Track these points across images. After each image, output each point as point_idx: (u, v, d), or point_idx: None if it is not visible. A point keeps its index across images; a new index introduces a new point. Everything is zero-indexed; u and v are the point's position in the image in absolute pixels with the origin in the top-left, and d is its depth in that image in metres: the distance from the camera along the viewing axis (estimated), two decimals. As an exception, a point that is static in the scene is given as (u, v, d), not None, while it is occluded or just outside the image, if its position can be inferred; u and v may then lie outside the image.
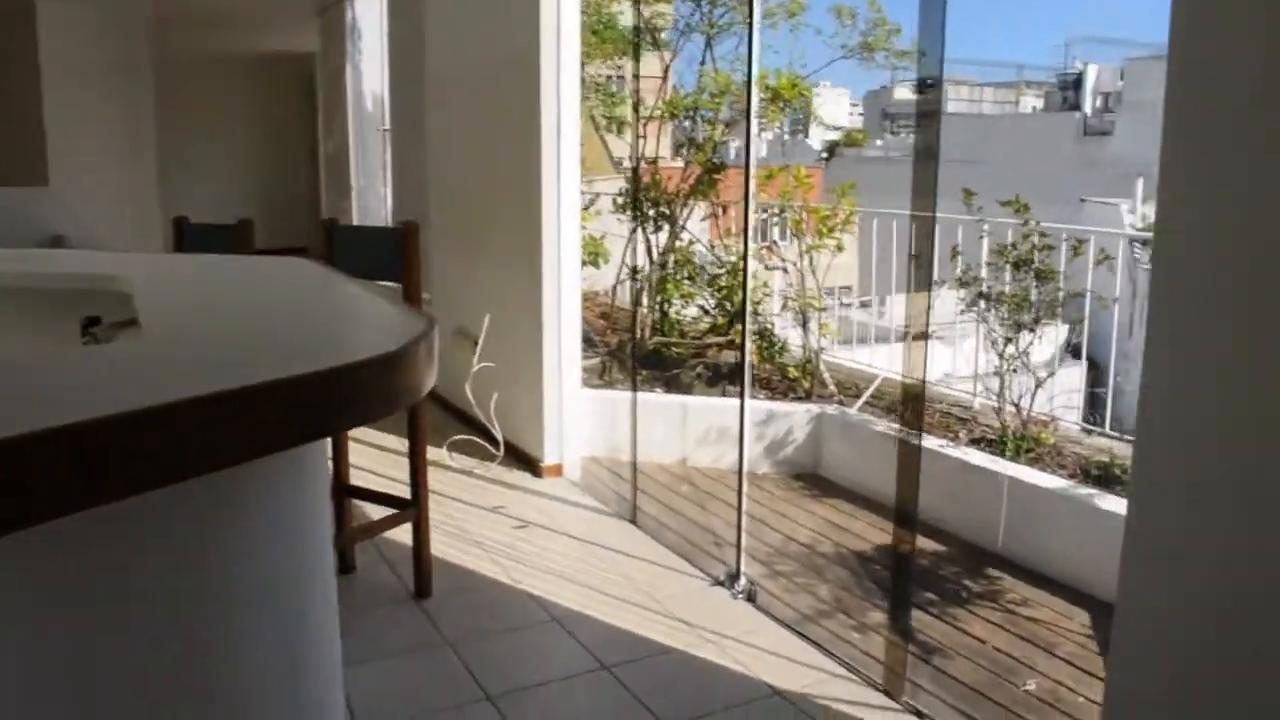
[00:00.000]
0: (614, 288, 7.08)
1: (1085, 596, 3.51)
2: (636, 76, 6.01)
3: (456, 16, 5.50)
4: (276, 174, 13.88)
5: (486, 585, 3.61)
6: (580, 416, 4.83)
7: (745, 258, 4.02)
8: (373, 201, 7.84)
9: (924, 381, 4.72)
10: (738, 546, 3.63)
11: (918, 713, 2.81)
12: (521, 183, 4.70)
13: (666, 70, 6.10)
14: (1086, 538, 3.56)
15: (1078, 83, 27.54)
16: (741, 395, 3.84)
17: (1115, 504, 3.56)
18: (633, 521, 4.22)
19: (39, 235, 7.80)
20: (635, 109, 5.57)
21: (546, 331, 4.64)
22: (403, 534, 3.52)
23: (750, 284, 5.73)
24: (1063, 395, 4.78)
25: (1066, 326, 4.75)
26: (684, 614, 3.37)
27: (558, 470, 4.75)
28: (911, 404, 4.79)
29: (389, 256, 3.28)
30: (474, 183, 5.42)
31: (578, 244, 4.74)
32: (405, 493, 3.51)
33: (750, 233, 3.96)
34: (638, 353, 5.81)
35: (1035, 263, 4.26)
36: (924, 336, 3.25)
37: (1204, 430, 1.97)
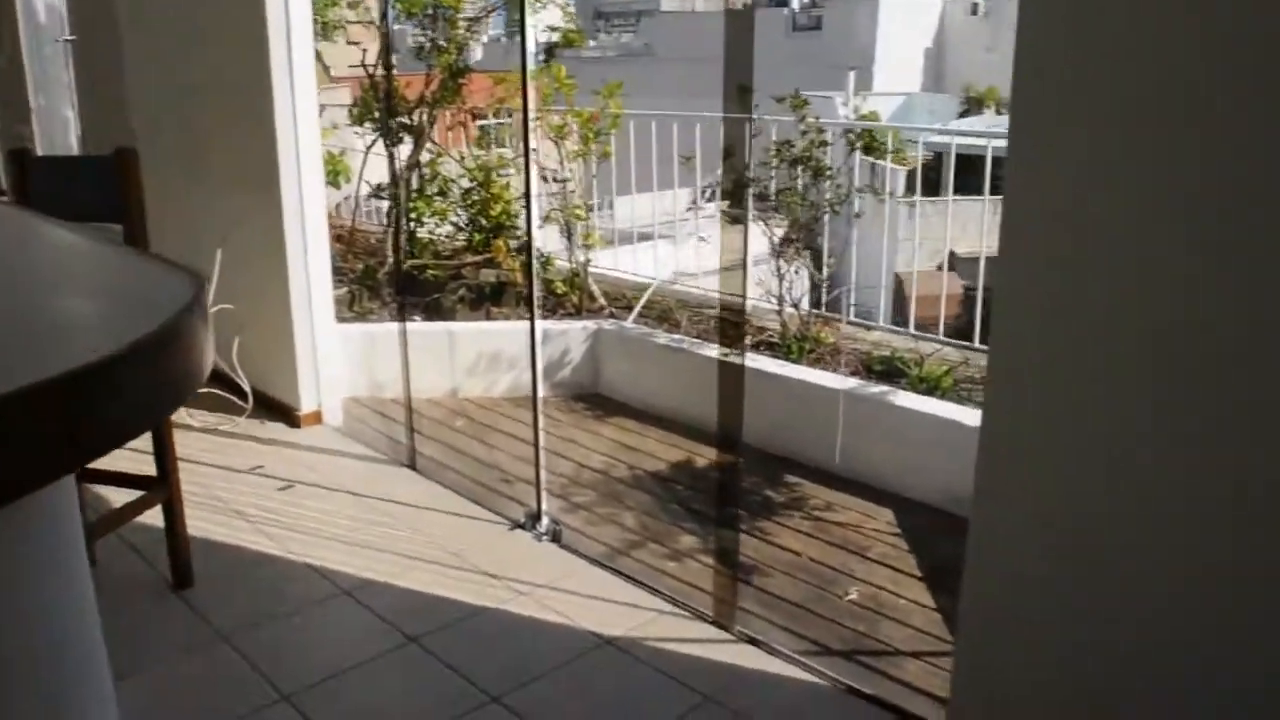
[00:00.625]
0: (355, 207, 6.52)
1: (887, 494, 3.51)
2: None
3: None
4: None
5: (258, 562, 3.18)
6: (336, 355, 4.38)
7: (527, 169, 3.68)
8: (57, 126, 6.81)
9: (743, 297, 4.63)
10: (537, 484, 3.37)
11: (753, 640, 2.68)
12: (249, 96, 4.10)
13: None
14: (884, 436, 3.55)
15: (783, -22, 28.29)
16: (531, 316, 3.53)
17: (909, 400, 3.56)
18: (412, 467, 3.87)
19: None
20: (382, 15, 5.03)
21: (291, 263, 4.14)
22: (151, 515, 3.01)
23: (507, 196, 5.41)
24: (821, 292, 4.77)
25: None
26: (488, 566, 3.09)
27: (317, 417, 4.30)
28: (730, 325, 4.69)
29: (103, 192, 2.72)
30: (189, 99, 4.71)
31: (320, 162, 4.23)
32: (149, 468, 3.00)
33: (529, 142, 3.62)
34: (396, 279, 5.37)
35: (814, 159, 4.16)
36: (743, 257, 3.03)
37: (1057, 341, 1.88)
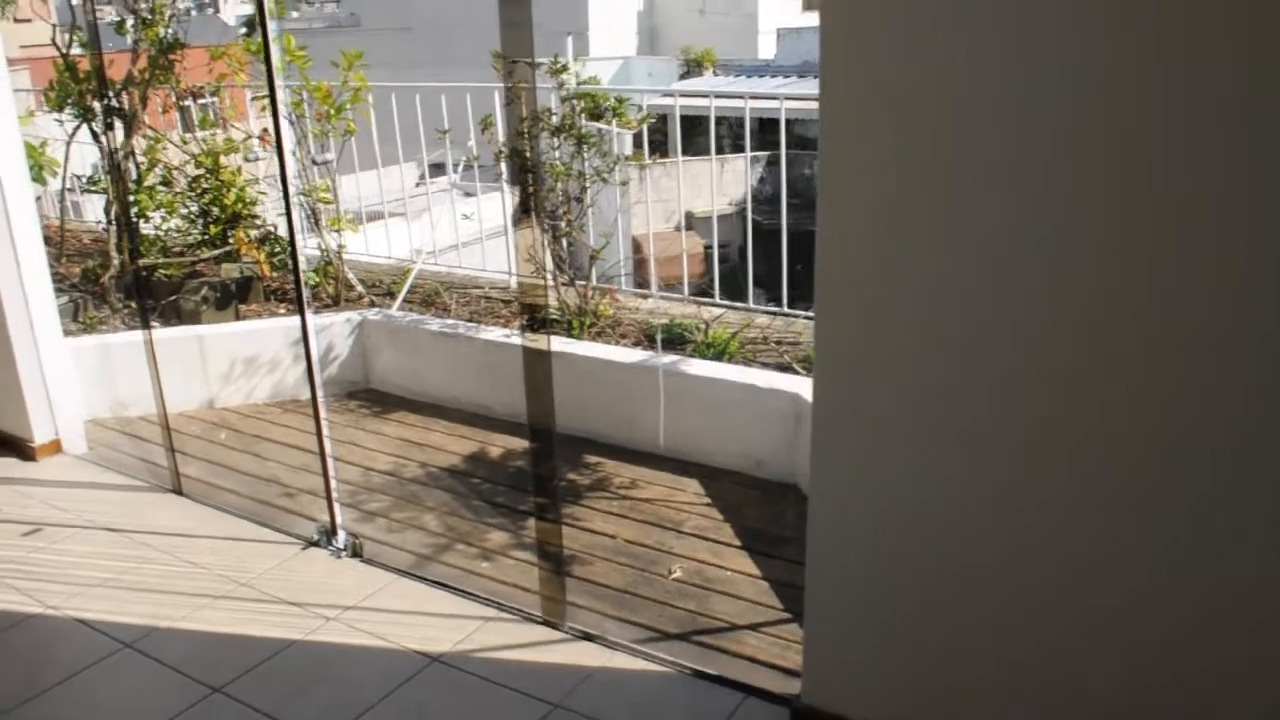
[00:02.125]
0: (60, 204, 5.83)
1: (692, 465, 3.50)
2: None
3: None
4: None
5: (15, 624, 2.78)
6: (68, 374, 3.90)
7: (280, 152, 3.32)
8: None
9: (512, 274, 4.37)
10: (327, 494, 3.12)
11: (587, 636, 2.60)
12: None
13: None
14: (681, 406, 3.52)
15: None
16: (301, 311, 3.21)
17: (700, 367, 3.56)
18: (178, 491, 3.50)
19: None
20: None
21: (2, 273, 3.63)
22: None
23: (240, 182, 4.99)
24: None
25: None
26: (286, 593, 2.84)
27: (56, 447, 3.83)
28: (506, 305, 4.48)
29: None
30: None
31: (20, 154, 3.71)
32: None
33: (279, 120, 3.28)
34: (118, 284, 4.85)
35: (577, 129, 4.05)
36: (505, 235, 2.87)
37: (885, 307, 1.88)
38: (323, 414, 3.12)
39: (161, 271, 4.79)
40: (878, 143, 1.81)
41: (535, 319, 3.57)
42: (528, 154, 3.96)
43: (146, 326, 3.78)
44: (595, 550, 3.05)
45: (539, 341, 3.17)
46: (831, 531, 2.08)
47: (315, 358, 3.20)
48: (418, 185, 7.96)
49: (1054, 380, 1.74)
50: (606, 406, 3.71)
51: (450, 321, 4.28)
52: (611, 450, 3.66)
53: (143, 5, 4.68)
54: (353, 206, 6.02)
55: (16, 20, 7.37)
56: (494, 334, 4.09)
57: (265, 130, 4.83)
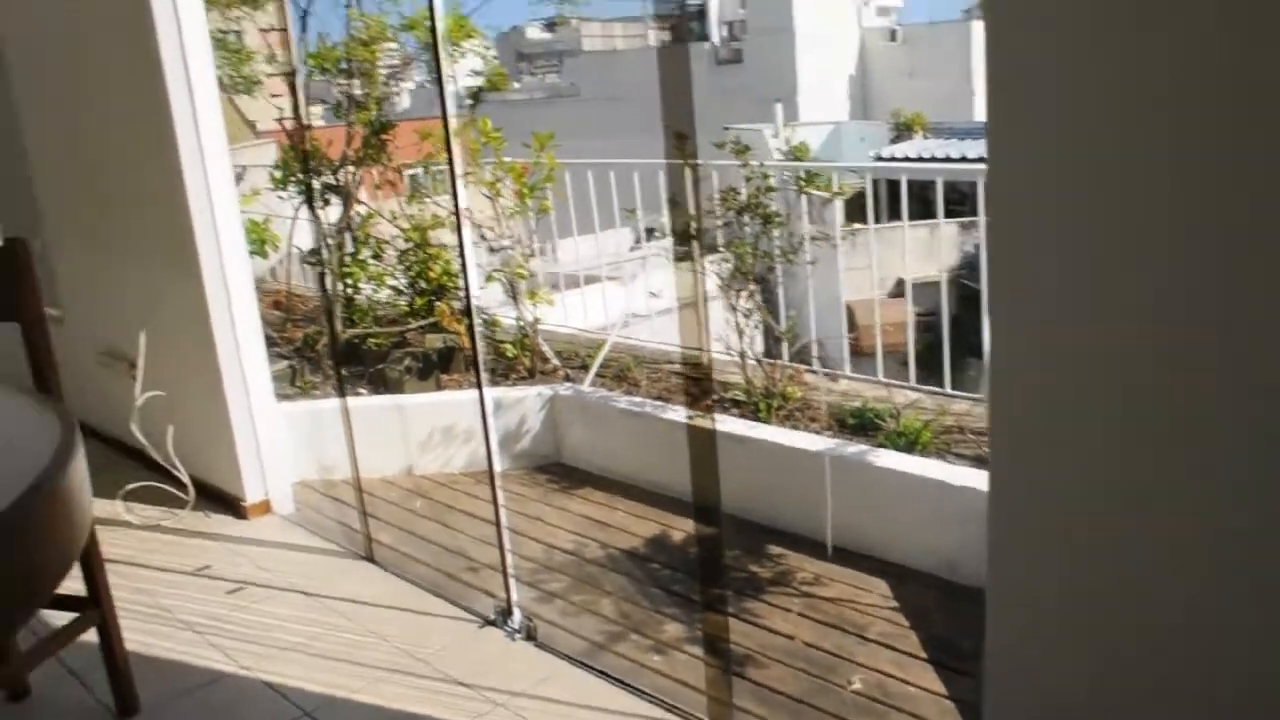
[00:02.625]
0: (286, 269, 6.24)
1: (878, 563, 3.34)
2: (269, 30, 5.23)
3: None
4: None
5: (209, 681, 2.91)
6: (280, 437, 4.12)
7: (460, 229, 3.47)
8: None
9: (704, 350, 4.42)
10: (504, 573, 3.15)
11: (756, 745, 2.49)
12: (157, 164, 3.85)
13: (304, 19, 5.27)
14: (868, 499, 3.38)
15: (702, 12, 28.53)
16: (479, 385, 3.31)
17: (889, 459, 3.41)
18: (370, 559, 3.61)
19: None
20: (289, 72, 4.79)
21: (220, 341, 3.88)
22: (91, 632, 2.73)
23: (446, 256, 5.19)
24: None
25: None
26: (460, 673, 2.86)
27: (266, 507, 4.03)
28: (696, 383, 4.48)
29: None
30: (99, 175, 4.44)
31: (240, 230, 3.98)
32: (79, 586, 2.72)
33: (460, 200, 3.41)
34: (336, 350, 5.11)
35: (762, 206, 4.01)
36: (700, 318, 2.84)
37: (1063, 394, 1.73)
38: (499, 490, 3.16)
39: (371, 340, 5.03)
40: (1045, 224, 1.68)
41: (704, 396, 3.52)
42: (705, 230, 3.94)
43: (343, 394, 3.95)
44: (771, 650, 2.94)
45: (705, 420, 3.12)
46: (1008, 643, 1.90)
47: (493, 432, 3.25)
48: (633, 249, 8.07)
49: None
50: (792, 495, 3.60)
51: (638, 400, 4.28)
52: (796, 542, 3.54)
53: (357, 89, 4.97)
54: (564, 269, 6.20)
55: (272, 96, 8.01)
56: (680, 414, 4.07)
57: (467, 208, 5.02)
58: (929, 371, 4.37)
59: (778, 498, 3.64)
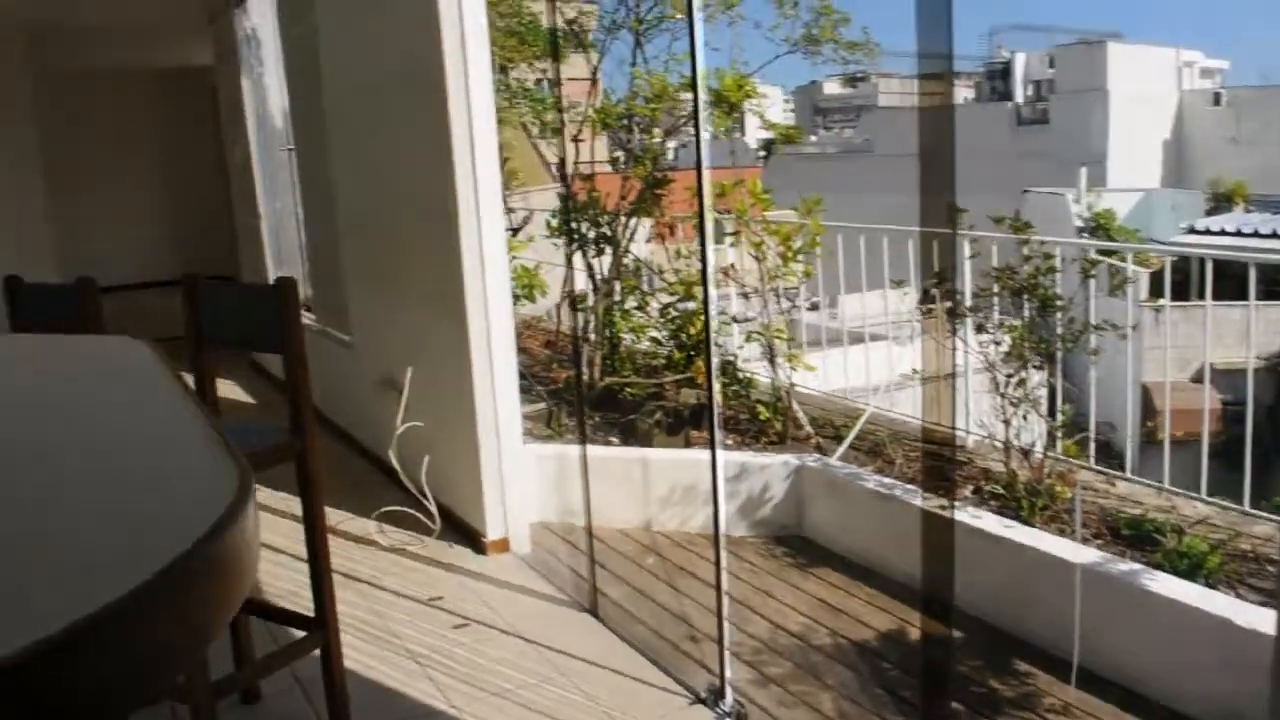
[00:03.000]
0: (558, 308, 6.42)
1: (1142, 700, 2.93)
2: (557, 83, 5.40)
3: (351, 21, 4.81)
4: (189, 196, 13.11)
5: (420, 716, 2.95)
6: (526, 478, 4.19)
7: (705, 285, 3.40)
8: (292, 224, 7.10)
9: (953, 430, 4.15)
10: (720, 650, 3.01)
11: None
12: (434, 209, 4.04)
13: (595, 72, 5.45)
14: (1137, 626, 2.99)
15: (1006, 72, 27.50)
16: (712, 447, 3.21)
17: (1166, 584, 2.99)
18: (593, 612, 3.58)
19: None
20: (561, 121, 4.94)
21: (477, 381, 3.99)
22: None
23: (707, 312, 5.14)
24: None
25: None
26: (662, 750, 2.75)
27: (504, 545, 4.10)
28: (937, 468, 4.21)
29: (264, 322, 2.60)
30: (383, 208, 4.74)
31: (506, 276, 4.09)
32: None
33: (709, 256, 3.34)
34: (587, 396, 5.17)
35: (1042, 289, 3.69)
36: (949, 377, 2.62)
37: None
38: (724, 558, 3.03)
39: (628, 390, 5.05)
40: None
41: (957, 484, 3.24)
42: (976, 308, 3.66)
43: (584, 441, 3.95)
44: (1004, 782, 2.63)
45: (949, 511, 2.86)
46: None
47: (722, 497, 3.13)
48: (916, 309, 7.74)
49: None
50: (1049, 608, 3.25)
51: (889, 481, 4.03)
52: (1048, 662, 3.17)
53: (635, 142, 5.04)
54: (841, 324, 6.02)
55: (575, 140, 8.34)
56: (934, 503, 3.79)
57: (732, 266, 4.96)
58: (1229, 470, 3.86)
59: (1031, 608, 3.30)
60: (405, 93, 4.22)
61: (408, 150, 4.32)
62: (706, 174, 2.86)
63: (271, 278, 7.17)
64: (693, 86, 2.94)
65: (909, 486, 3.95)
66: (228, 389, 7.16)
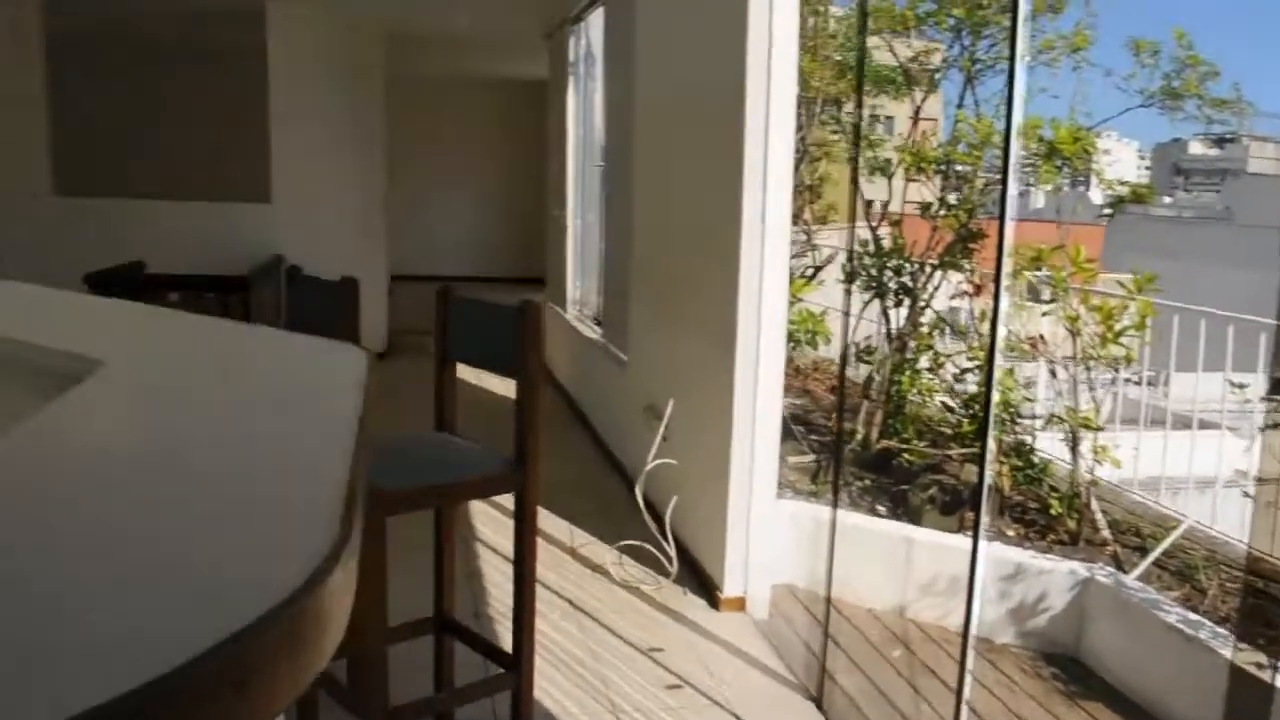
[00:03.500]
0: (844, 356, 6.05)
1: None
2: (857, 127, 5.06)
3: (664, 42, 4.71)
4: (514, 202, 13.78)
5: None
6: (775, 536, 3.88)
7: (992, 351, 2.97)
8: (596, 239, 7.19)
9: None
10: (955, 783, 2.58)
11: None
12: (717, 237, 3.83)
13: (917, 112, 5.07)
14: None
15: None
16: (975, 541, 2.78)
17: None
18: (817, 701, 3.21)
19: (260, 252, 7.63)
20: (882, 161, 4.59)
21: (737, 424, 3.73)
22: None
23: (1009, 384, 4.61)
24: None
25: None
26: None
27: (740, 604, 3.81)
28: (1259, 611, 3.51)
29: (503, 343, 2.46)
30: (671, 230, 4.60)
31: (783, 317, 3.80)
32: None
33: (1001, 318, 2.91)
34: (859, 457, 4.79)
35: None
36: None
37: None
38: (968, 676, 2.60)
39: (904, 456, 4.62)
40: None
41: (1273, 638, 2.62)
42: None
43: (835, 505, 3.59)
44: None
45: (1262, 670, 2.26)
46: None
47: (977, 600, 2.69)
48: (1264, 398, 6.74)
49: None
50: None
51: (1194, 617, 3.38)
52: None
53: (951, 190, 4.61)
54: (1171, 405, 5.29)
55: (908, 179, 7.98)
56: (1249, 657, 3.12)
57: (1041, 337, 4.41)
58: None
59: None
60: (704, 116, 4.05)
61: (699, 174, 4.14)
62: (1009, 229, 2.48)
63: (571, 289, 7.27)
64: (1005, 134, 2.55)
65: (1220, 630, 3.28)
66: (506, 385, 7.32)
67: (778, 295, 3.72)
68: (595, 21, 6.70)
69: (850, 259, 4.90)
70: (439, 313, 2.71)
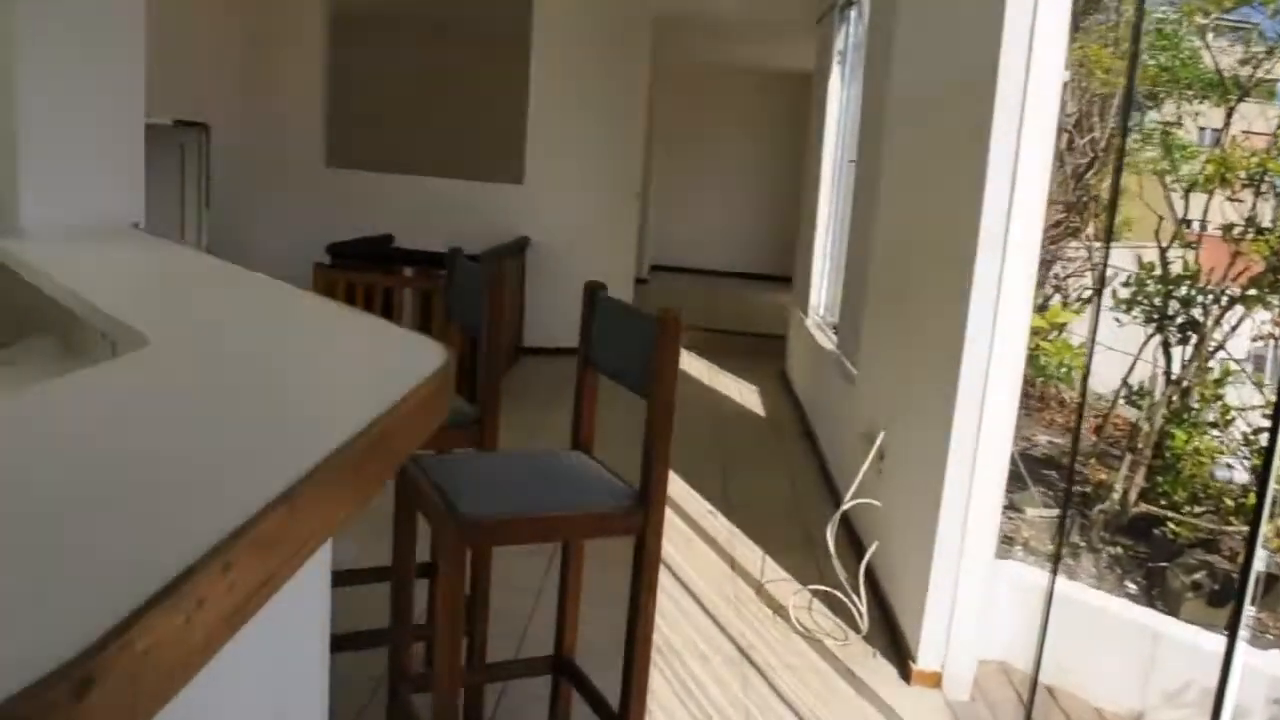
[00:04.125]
0: (1116, 395, 5.21)
1: None
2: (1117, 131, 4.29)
3: (921, 27, 4.12)
4: (777, 198, 13.36)
5: None
6: (988, 603, 3.26)
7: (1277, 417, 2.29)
8: (842, 240, 6.67)
9: None
10: None
11: None
12: (950, 246, 3.26)
13: (1228, 115, 4.22)
14: None
15: None
16: (1231, 642, 2.13)
17: None
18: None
19: (508, 233, 7.62)
20: (1116, 182, 3.83)
21: (952, 469, 3.15)
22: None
23: (1272, 447, 3.71)
24: None
25: None
26: None
27: (934, 680, 3.23)
28: None
29: (638, 358, 2.05)
30: (908, 235, 4.02)
31: (1022, 348, 3.16)
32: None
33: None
34: (1111, 519, 4.03)
35: None
36: None
37: None
38: None
39: (1169, 526, 3.83)
40: None
41: None
42: None
43: (1053, 578, 2.94)
44: None
45: None
46: None
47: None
48: None
49: None
50: None
51: None
52: None
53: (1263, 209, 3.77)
54: None
55: (1229, 199, 7.02)
56: None
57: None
58: None
59: None
60: (952, 108, 3.46)
61: (940, 174, 3.56)
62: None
63: (816, 293, 6.76)
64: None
65: None
66: (740, 388, 6.92)
67: (1018, 320, 3.10)
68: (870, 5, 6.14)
69: (1129, 283, 4.13)
70: (584, 312, 2.34)
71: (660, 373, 1.98)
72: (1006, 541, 3.71)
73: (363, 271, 5.83)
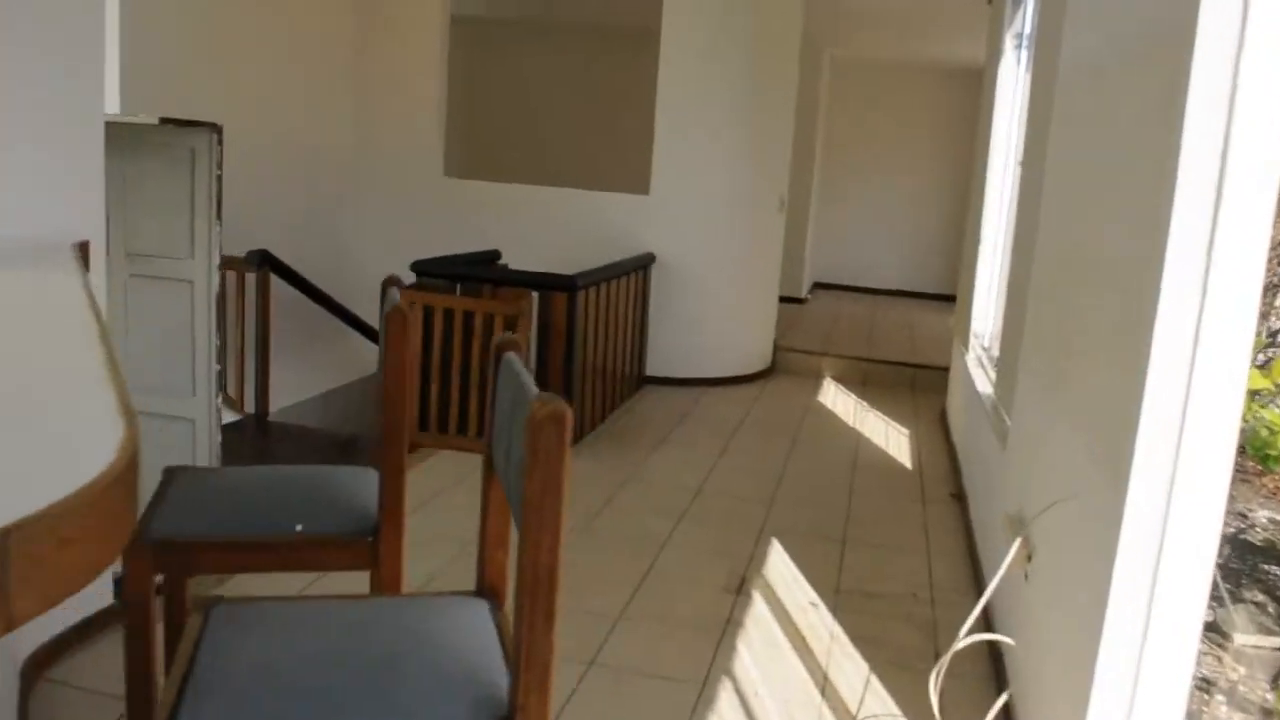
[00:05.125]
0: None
1: None
2: None
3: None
4: (951, 209, 12.18)
5: None
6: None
7: None
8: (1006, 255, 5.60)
9: None
10: None
11: None
12: (1125, 273, 2.27)
13: None
14: None
15: None
16: None
17: None
18: None
19: (632, 247, 6.88)
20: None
21: (1116, 599, 2.16)
22: None
23: None
24: None
25: None
26: None
27: None
28: None
29: (516, 462, 1.23)
30: (1073, 256, 3.01)
31: (1233, 427, 2.13)
32: None
33: None
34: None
35: None
36: None
37: None
38: None
39: None
40: None
41: None
42: None
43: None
44: None
45: None
46: None
47: None
48: None
49: None
50: None
51: None
52: None
53: None
54: None
55: None
56: None
57: None
58: None
59: None
60: (1130, 77, 2.47)
61: (1113, 172, 2.57)
62: None
63: (978, 320, 5.73)
64: None
65: None
66: (889, 432, 5.87)
67: (1225, 387, 2.08)
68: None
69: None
70: (493, 378, 1.54)
71: (530, 497, 1.14)
72: (1203, 686, 2.65)
73: (444, 293, 5.19)
